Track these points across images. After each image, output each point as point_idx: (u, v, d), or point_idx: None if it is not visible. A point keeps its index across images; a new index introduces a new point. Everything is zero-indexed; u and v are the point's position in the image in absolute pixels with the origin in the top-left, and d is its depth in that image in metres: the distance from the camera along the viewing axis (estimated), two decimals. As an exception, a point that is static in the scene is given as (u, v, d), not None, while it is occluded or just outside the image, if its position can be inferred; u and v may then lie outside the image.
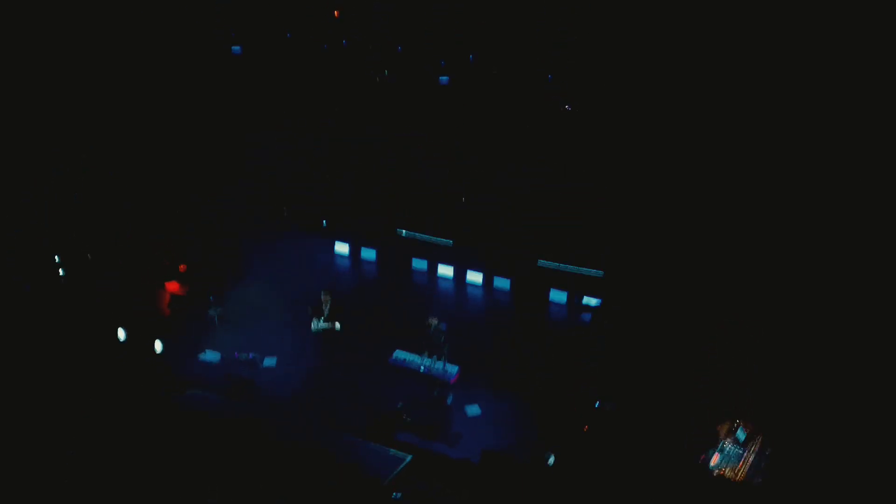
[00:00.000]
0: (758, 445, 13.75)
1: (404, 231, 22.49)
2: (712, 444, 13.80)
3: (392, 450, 15.43)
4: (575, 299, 20.10)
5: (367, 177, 22.88)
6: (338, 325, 17.03)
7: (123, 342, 18.00)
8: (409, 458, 15.22)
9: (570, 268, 20.40)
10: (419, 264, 21.95)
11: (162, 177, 23.32)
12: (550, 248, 20.66)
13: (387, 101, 23.46)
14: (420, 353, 16.66)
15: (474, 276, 21.31)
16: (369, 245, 22.61)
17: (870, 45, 15.62)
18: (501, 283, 21.06)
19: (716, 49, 17.34)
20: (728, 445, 13.74)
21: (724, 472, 13.31)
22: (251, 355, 18.00)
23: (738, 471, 13.31)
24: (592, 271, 20.08)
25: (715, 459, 13.52)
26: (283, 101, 23.97)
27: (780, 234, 17.06)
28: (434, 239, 22.20)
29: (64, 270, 20.23)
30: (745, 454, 13.59)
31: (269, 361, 18.06)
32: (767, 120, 17.28)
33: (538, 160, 21.19)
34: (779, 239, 17.09)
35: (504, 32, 22.28)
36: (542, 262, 20.78)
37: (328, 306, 17.25)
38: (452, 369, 16.35)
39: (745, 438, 13.79)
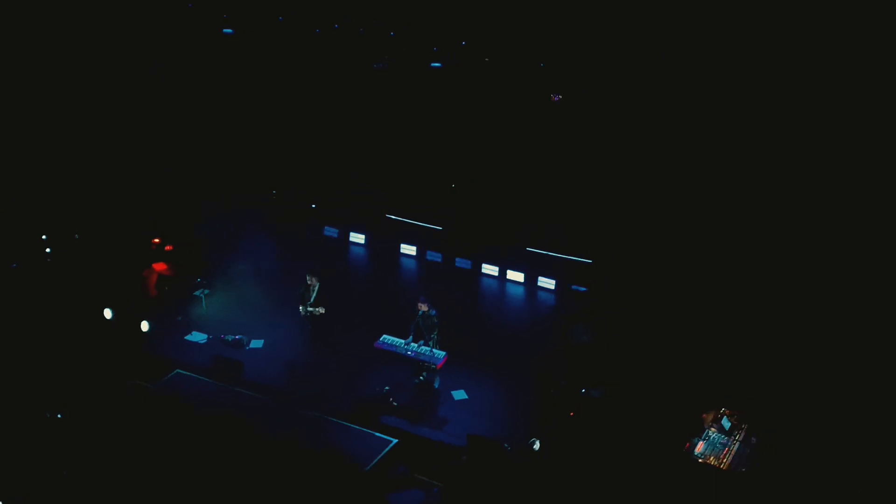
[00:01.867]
0: (742, 434, 13.80)
1: (393, 215, 22.46)
2: (697, 433, 13.83)
3: (378, 433, 15.46)
4: (563, 286, 20.12)
5: (357, 161, 22.81)
6: (321, 309, 16.98)
7: (110, 322, 17.95)
8: (394, 441, 15.25)
9: (559, 255, 20.40)
10: (408, 249, 21.92)
11: (151, 158, 23.20)
12: (539, 235, 20.65)
13: (379, 86, 23.37)
14: (407, 337, 16.62)
15: (463, 262, 21.30)
16: (359, 229, 22.57)
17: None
18: (490, 269, 21.05)
19: (709, 37, 17.31)
20: (713, 434, 13.78)
21: (709, 459, 13.34)
22: (238, 337, 17.96)
23: (723, 459, 13.34)
24: (581, 259, 20.08)
25: (700, 447, 13.55)
26: (273, 83, 23.87)
27: (766, 226, 17.08)
28: (423, 224, 22.17)
29: (51, 249, 20.12)
30: (730, 442, 13.63)
31: (256, 343, 18.03)
32: (758, 109, 17.29)
33: (529, 148, 21.16)
34: (765, 230, 17.12)
35: (497, 19, 22.18)
36: (530, 249, 20.77)
37: (315, 290, 17.20)
38: (440, 354, 16.33)
39: (730, 427, 13.83)
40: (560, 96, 21.01)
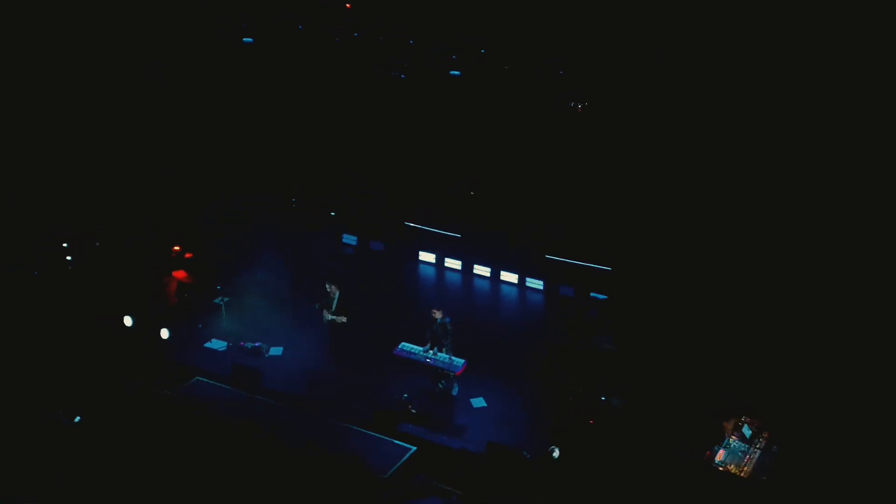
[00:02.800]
0: (763, 442, 13.70)
1: (412, 223, 22.46)
2: (718, 441, 13.75)
3: (397, 441, 15.45)
4: (583, 293, 20.07)
5: (376, 169, 22.84)
6: (344, 317, 16.99)
7: (130, 329, 18.03)
8: (413, 449, 15.24)
9: (579, 262, 20.35)
10: (427, 257, 21.92)
11: (170, 165, 23.30)
12: (559, 243, 20.60)
13: (398, 94, 23.40)
14: (425, 345, 16.61)
15: (482, 270, 21.29)
16: (377, 237, 22.59)
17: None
18: (509, 276, 21.02)
19: (730, 41, 17.23)
20: (734, 442, 13.70)
21: (730, 468, 13.25)
22: (257, 344, 18.00)
23: (744, 467, 13.26)
24: (601, 266, 20.02)
25: (720, 455, 13.47)
26: (293, 92, 23.93)
27: (786, 233, 16.97)
28: (442, 232, 22.17)
29: (72, 257, 20.24)
30: (751, 451, 13.54)
31: (275, 351, 18.07)
32: (767, 119, 17.19)
33: (548, 156, 21.12)
34: (785, 238, 17.01)
35: (516, 27, 22.18)
36: (550, 257, 20.73)
37: (335, 298, 17.22)
38: (458, 361, 16.31)
39: (751, 435, 13.74)
40: (582, 104, 21.01)
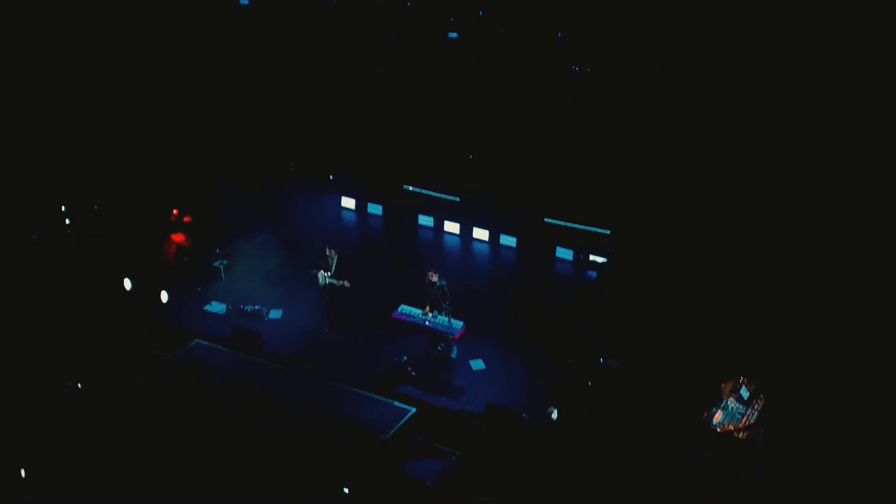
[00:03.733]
0: (761, 404, 13.77)
1: (411, 186, 22.41)
2: (716, 402, 13.82)
3: (396, 402, 15.54)
4: (581, 256, 20.09)
5: (374, 132, 22.75)
6: (347, 282, 17.00)
7: (129, 292, 18.05)
8: (413, 410, 15.34)
9: (577, 225, 20.34)
10: (425, 220, 21.89)
11: (168, 128, 23.19)
12: (557, 206, 20.57)
13: (395, 56, 23.26)
14: (424, 308, 16.65)
15: (480, 233, 21.28)
16: (376, 200, 22.56)
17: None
18: (507, 240, 21.02)
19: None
20: (731, 403, 13.76)
21: (728, 428, 13.34)
22: (257, 307, 18.04)
23: (741, 428, 13.33)
24: (599, 229, 20.01)
25: (718, 417, 13.55)
26: (290, 53, 23.79)
27: (786, 198, 16.92)
28: (440, 195, 22.14)
29: (70, 220, 20.21)
30: (748, 412, 13.61)
31: (275, 314, 18.11)
32: (770, 96, 17.09)
33: (546, 118, 21.04)
34: (785, 202, 16.96)
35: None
36: (548, 220, 20.71)
37: (334, 261, 17.22)
38: (457, 324, 16.36)
39: (749, 396, 13.80)
40: (579, 68, 20.90)
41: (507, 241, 21.01)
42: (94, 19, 22.55)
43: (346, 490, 12.98)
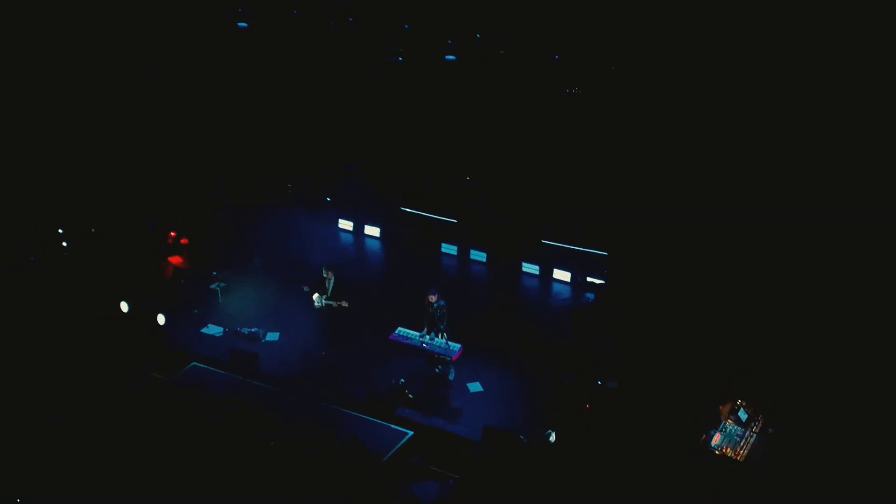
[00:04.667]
0: (759, 426, 13.74)
1: (408, 208, 22.43)
2: (714, 424, 13.78)
3: (393, 425, 15.50)
4: (578, 278, 20.09)
5: (371, 153, 22.79)
6: (345, 302, 16.97)
7: (126, 315, 18.01)
8: (410, 433, 15.29)
9: (575, 247, 20.36)
10: (423, 242, 21.89)
11: (166, 150, 23.21)
12: (555, 227, 20.59)
13: (393, 79, 23.33)
14: (421, 330, 16.62)
15: (478, 255, 21.28)
16: (373, 222, 22.58)
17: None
18: (505, 262, 21.01)
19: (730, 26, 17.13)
20: (730, 425, 13.73)
21: (726, 451, 13.30)
22: (254, 330, 18.01)
23: (740, 451, 13.30)
24: (597, 251, 20.02)
25: (716, 439, 13.51)
26: (288, 76, 23.85)
27: (781, 216, 16.92)
28: (438, 217, 22.16)
29: (67, 243, 20.19)
30: (747, 434, 13.57)
31: (272, 336, 18.08)
32: (762, 106, 17.13)
33: (544, 140, 21.08)
34: (781, 220, 16.97)
35: (512, 12, 22.11)
36: (546, 241, 20.73)
37: (331, 283, 17.20)
38: (455, 346, 16.33)
39: (747, 419, 13.77)
40: (575, 90, 20.95)
41: (505, 262, 20.99)
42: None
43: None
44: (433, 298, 16.41)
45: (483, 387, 16.64)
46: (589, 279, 19.87)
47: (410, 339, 16.62)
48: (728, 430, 13.67)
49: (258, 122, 23.41)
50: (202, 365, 17.18)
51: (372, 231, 22.62)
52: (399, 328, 16.86)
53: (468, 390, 16.56)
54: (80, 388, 14.81)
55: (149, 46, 23.03)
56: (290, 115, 23.43)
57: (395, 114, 22.87)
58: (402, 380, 16.34)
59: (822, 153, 15.97)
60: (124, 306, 18.02)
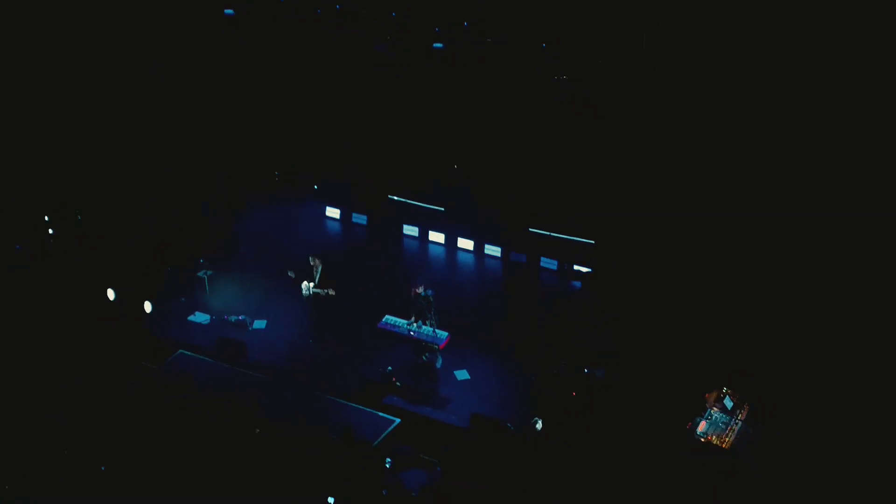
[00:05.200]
0: (744, 413, 13.84)
1: (396, 196, 22.43)
2: (699, 412, 13.88)
3: (381, 413, 15.54)
4: (565, 266, 20.14)
5: (359, 141, 22.77)
6: (332, 290, 16.97)
7: (113, 302, 17.97)
8: (397, 421, 15.34)
9: (562, 235, 20.40)
10: (410, 230, 21.90)
11: (152, 139, 23.12)
12: (542, 216, 20.63)
13: (380, 66, 23.31)
14: (409, 318, 16.64)
15: (465, 243, 21.30)
16: (360, 210, 22.56)
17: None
18: (492, 250, 21.05)
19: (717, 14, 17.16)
20: (715, 413, 13.82)
21: (711, 439, 13.39)
22: (241, 317, 18.00)
23: (725, 438, 13.40)
24: (583, 239, 20.07)
25: (702, 427, 13.60)
26: (274, 64, 23.79)
27: (770, 203, 17.01)
28: (425, 205, 22.16)
29: (53, 230, 20.12)
30: (733, 422, 13.67)
31: (259, 324, 18.07)
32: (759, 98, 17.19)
33: (531, 128, 21.11)
34: (770, 208, 17.05)
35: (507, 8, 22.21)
36: (533, 230, 20.77)
37: (318, 271, 17.19)
38: (442, 334, 16.36)
39: (733, 406, 13.87)
40: (564, 76, 20.98)
41: (492, 250, 21.03)
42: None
43: (331, 501, 12.94)
44: (419, 289, 16.42)
45: (470, 374, 16.69)
46: (576, 267, 19.91)
47: (398, 327, 16.64)
48: (714, 417, 13.77)
49: (245, 113, 23.35)
50: (189, 353, 17.16)
51: (359, 219, 22.58)
52: (387, 316, 16.88)
53: (455, 378, 16.60)
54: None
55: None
56: (277, 105, 23.38)
57: (383, 102, 22.86)
58: (390, 368, 16.37)
59: (816, 145, 16.05)
60: (111, 294, 17.96)
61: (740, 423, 13.67)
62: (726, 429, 13.54)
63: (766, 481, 12.96)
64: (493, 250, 21.04)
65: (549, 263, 20.39)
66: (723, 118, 17.24)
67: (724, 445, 13.28)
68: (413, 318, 16.57)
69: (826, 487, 12.71)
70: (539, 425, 14.45)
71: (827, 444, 13.36)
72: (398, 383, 16.15)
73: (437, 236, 21.60)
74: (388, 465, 13.97)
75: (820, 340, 15.24)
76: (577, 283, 19.77)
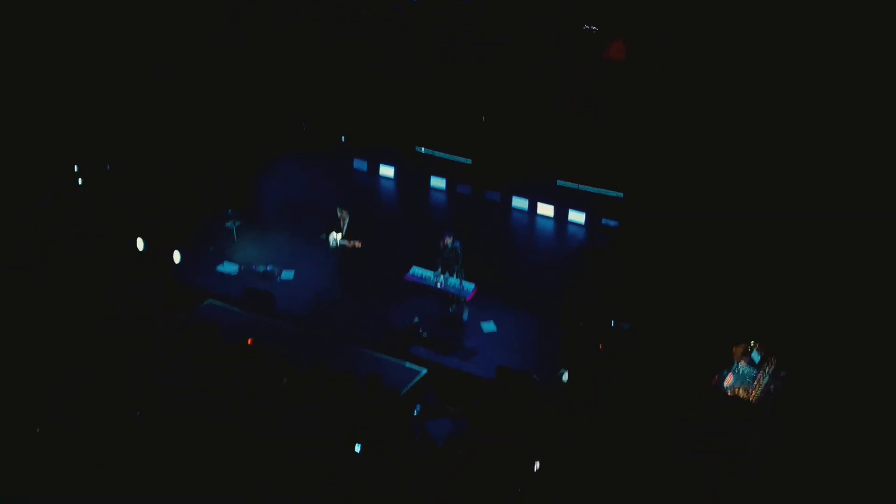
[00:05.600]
0: (772, 367, 13.79)
1: (423, 148, 22.33)
2: (727, 365, 13.83)
3: (408, 363, 15.62)
4: (593, 220, 20.04)
5: (386, 93, 22.62)
6: (358, 243, 16.99)
7: (142, 252, 18.10)
8: (424, 371, 15.42)
9: (590, 188, 20.28)
10: (438, 182, 21.83)
11: (181, 92, 23.08)
12: (570, 168, 20.49)
13: (406, 16, 23.05)
14: (436, 270, 16.65)
15: (493, 195, 21.22)
16: (388, 161, 22.50)
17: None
18: (520, 202, 20.96)
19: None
20: (742, 366, 13.78)
21: (738, 392, 13.37)
22: (269, 268, 18.08)
23: (752, 392, 13.36)
24: (612, 192, 19.94)
25: (729, 380, 13.57)
26: (300, 16, 23.57)
27: (797, 155, 16.79)
28: (453, 157, 22.06)
29: (83, 180, 20.22)
30: (759, 375, 13.63)
31: (287, 275, 18.14)
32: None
33: (560, 78, 20.86)
34: (797, 161, 16.85)
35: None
36: (561, 182, 20.64)
37: (345, 223, 17.21)
38: (469, 286, 16.38)
39: (760, 360, 13.81)
40: (594, 27, 20.67)
41: (520, 203, 20.94)
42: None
43: (357, 448, 13.08)
44: (448, 241, 16.41)
45: (497, 326, 16.71)
46: (604, 221, 19.81)
47: (425, 279, 16.67)
48: (741, 371, 13.73)
49: (274, 62, 23.23)
50: (218, 302, 17.29)
51: (387, 171, 22.53)
52: (414, 268, 16.90)
53: (482, 330, 16.64)
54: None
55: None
56: (301, 54, 23.22)
57: (409, 52, 22.65)
58: (417, 319, 16.43)
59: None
60: (140, 244, 18.09)
61: (767, 376, 13.62)
62: (753, 382, 13.50)
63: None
64: (520, 203, 20.95)
65: (577, 216, 20.29)
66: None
67: (750, 399, 13.25)
68: (440, 270, 16.58)
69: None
70: (565, 377, 14.47)
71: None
72: (425, 334, 16.21)
73: (464, 189, 21.54)
74: (416, 413, 14.09)
75: (850, 294, 15.13)
76: (606, 237, 19.67)
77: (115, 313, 15.68)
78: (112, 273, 16.25)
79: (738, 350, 14.03)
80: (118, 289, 15.86)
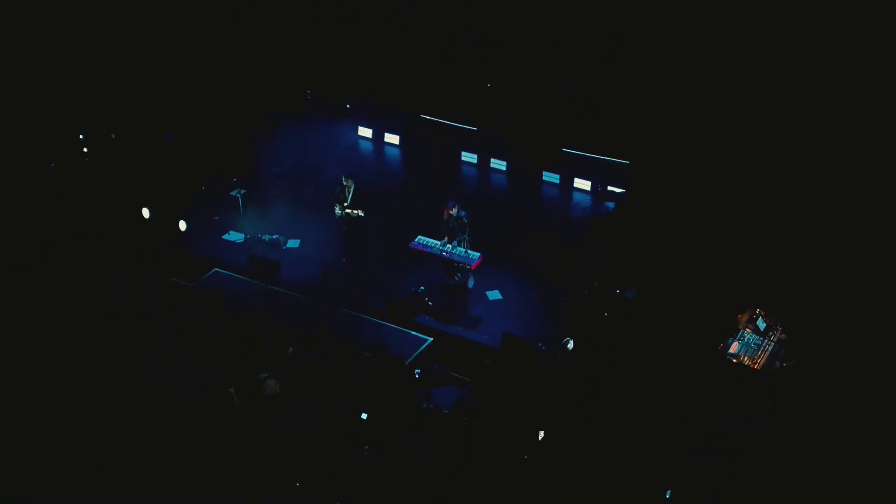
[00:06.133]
0: (777, 335, 13.79)
1: (428, 116, 22.26)
2: (732, 333, 13.84)
3: (413, 332, 15.66)
4: (599, 187, 20.00)
5: (391, 60, 22.51)
6: (361, 212, 16.98)
7: (148, 220, 18.12)
8: (429, 340, 15.46)
9: (595, 155, 20.22)
10: (443, 150, 21.77)
11: (185, 61, 22.99)
12: (576, 135, 20.42)
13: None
14: (441, 238, 16.64)
15: (498, 163, 21.18)
16: (393, 129, 22.44)
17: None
18: (525, 170, 20.91)
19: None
20: (748, 334, 13.78)
21: (743, 360, 13.38)
22: (274, 236, 18.11)
23: (757, 360, 13.38)
24: (618, 159, 19.88)
25: (734, 348, 13.58)
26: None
27: (807, 125, 16.67)
28: (458, 125, 21.99)
29: (88, 149, 20.21)
30: (765, 343, 13.63)
31: (293, 243, 18.18)
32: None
33: (565, 46, 20.73)
34: (806, 127, 16.71)
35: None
36: (566, 150, 20.58)
37: (351, 191, 17.18)
38: (474, 254, 16.37)
39: (765, 328, 13.81)
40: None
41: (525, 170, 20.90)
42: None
43: (364, 416, 13.12)
44: (453, 210, 16.39)
45: (502, 295, 16.73)
46: (609, 188, 19.77)
47: (430, 247, 16.66)
48: (746, 339, 13.73)
49: (277, 28, 23.11)
50: (224, 271, 17.33)
51: (392, 139, 22.48)
52: (419, 236, 16.89)
53: (487, 298, 16.66)
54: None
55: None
56: (309, 21, 23.10)
57: (413, 19, 22.50)
58: (422, 287, 16.46)
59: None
60: (146, 212, 18.11)
61: (773, 344, 13.62)
62: (758, 350, 13.51)
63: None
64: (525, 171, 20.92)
65: (583, 184, 20.26)
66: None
67: (755, 367, 13.27)
68: (446, 239, 16.57)
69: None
70: (570, 345, 14.49)
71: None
72: (430, 303, 16.24)
73: (469, 156, 21.49)
74: (416, 376, 14.13)
75: (858, 262, 15.05)
76: (611, 204, 19.63)
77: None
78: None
79: (743, 318, 14.02)
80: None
